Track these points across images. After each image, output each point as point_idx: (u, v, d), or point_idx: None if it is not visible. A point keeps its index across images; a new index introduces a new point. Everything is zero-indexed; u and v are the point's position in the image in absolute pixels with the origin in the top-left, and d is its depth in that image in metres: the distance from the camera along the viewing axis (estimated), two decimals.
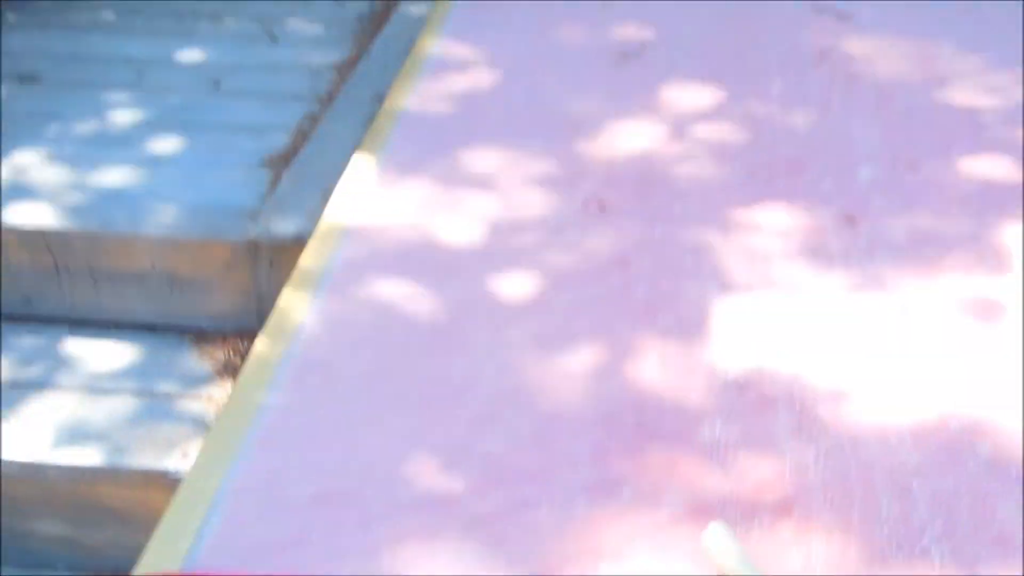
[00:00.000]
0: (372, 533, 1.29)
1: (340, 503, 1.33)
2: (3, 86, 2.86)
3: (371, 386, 1.52)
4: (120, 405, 2.41)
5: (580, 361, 1.58)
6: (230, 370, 2.33)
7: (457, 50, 2.43)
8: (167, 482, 2.02)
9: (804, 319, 1.66)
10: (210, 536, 1.28)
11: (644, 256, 1.80)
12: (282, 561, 1.24)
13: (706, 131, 2.09)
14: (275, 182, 2.55)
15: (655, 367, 1.57)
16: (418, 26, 2.69)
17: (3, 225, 2.44)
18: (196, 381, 2.50)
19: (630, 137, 2.09)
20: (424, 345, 1.61)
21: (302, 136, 2.68)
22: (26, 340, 2.47)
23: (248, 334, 2.21)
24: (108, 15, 3.37)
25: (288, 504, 1.33)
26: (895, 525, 1.31)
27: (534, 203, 1.93)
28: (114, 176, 2.59)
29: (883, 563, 1.25)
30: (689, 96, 2.21)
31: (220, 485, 1.35)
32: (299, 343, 1.59)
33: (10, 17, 3.21)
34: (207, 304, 2.57)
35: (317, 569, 1.22)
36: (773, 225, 1.86)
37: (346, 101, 2.74)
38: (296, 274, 1.73)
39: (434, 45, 2.47)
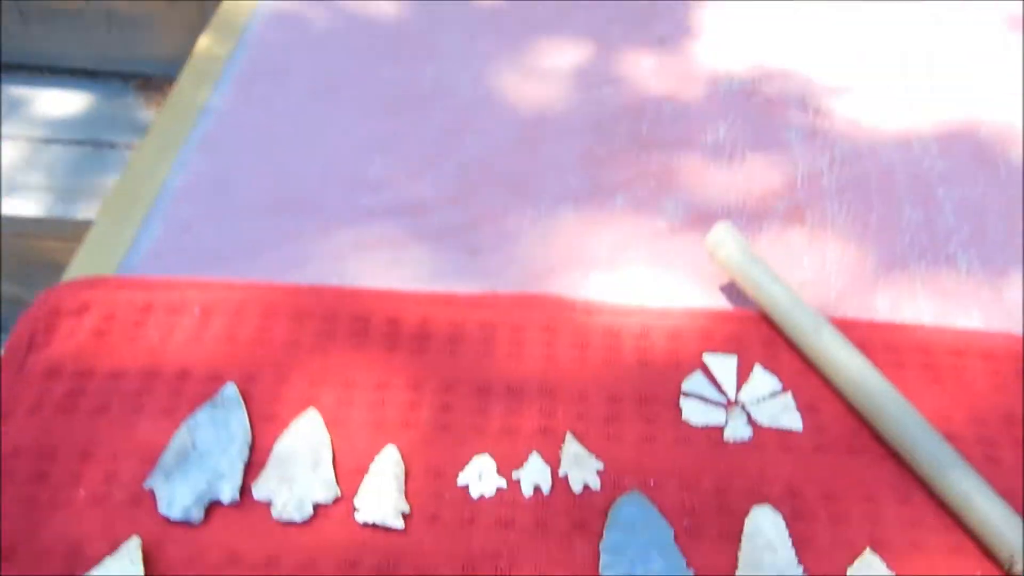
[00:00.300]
0: (334, 240, 1.14)
1: (297, 210, 1.18)
2: None
3: (329, 91, 1.34)
4: (63, 155, 2.23)
5: (566, 69, 1.41)
6: None
7: None
8: None
9: (820, 26, 1.49)
10: (149, 241, 1.13)
11: None
12: (233, 268, 1.10)
13: None
14: None
15: (650, 74, 1.40)
16: None
17: None
18: (143, 130, 2.31)
19: None
20: (388, 52, 1.42)
21: None
22: None
23: None
24: None
25: (239, 210, 1.18)
26: (918, 231, 1.18)
27: None
28: None
29: (904, 269, 1.13)
30: None
31: (159, 189, 1.19)
32: (247, 43, 1.40)
33: None
34: (150, 45, 2.35)
35: (273, 276, 1.08)
36: None
37: None
38: None
39: None
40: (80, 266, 1.11)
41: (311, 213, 1.18)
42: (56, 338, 1.00)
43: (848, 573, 0.83)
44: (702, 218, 1.19)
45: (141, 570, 0.80)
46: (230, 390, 0.94)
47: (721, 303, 1.09)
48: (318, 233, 1.15)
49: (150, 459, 0.89)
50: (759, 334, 1.03)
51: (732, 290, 1.10)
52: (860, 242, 1.17)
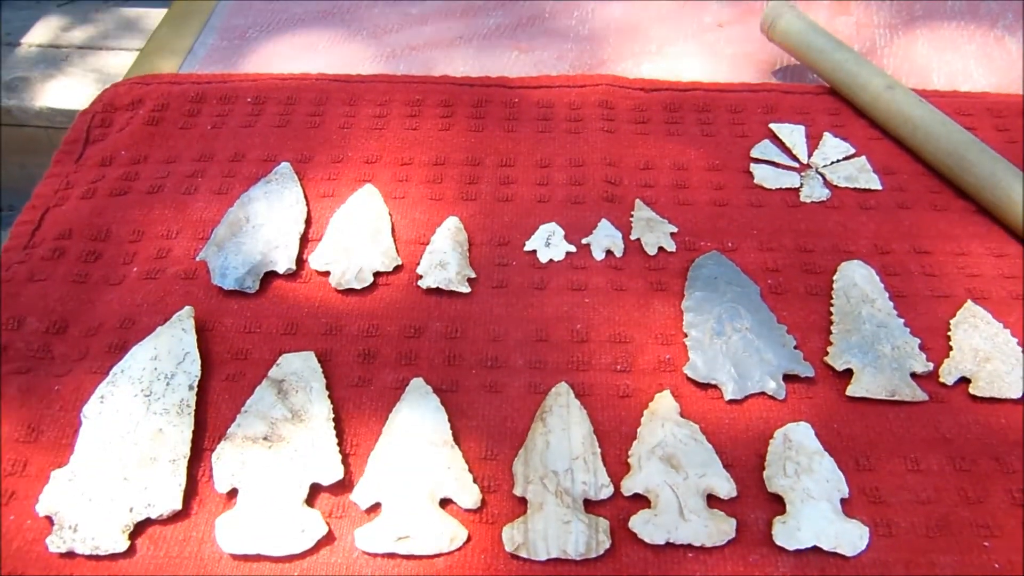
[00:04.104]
0: (385, 43, 0.88)
1: (349, 18, 0.91)
2: None
3: None
4: None
5: None
6: None
7: None
8: None
9: None
10: (204, 49, 0.87)
11: None
12: (286, 69, 0.83)
13: None
14: None
15: None
16: None
17: None
18: None
19: None
20: None
21: None
22: None
23: None
24: None
25: (292, 18, 0.91)
26: (963, 16, 0.89)
27: None
28: None
29: (956, 50, 0.85)
30: None
31: (215, 3, 0.92)
32: None
33: None
34: None
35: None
36: None
37: None
38: None
39: None
40: (137, 71, 0.84)
41: (362, 20, 0.91)
42: (112, 131, 0.75)
43: (951, 323, 0.58)
44: (748, 12, 0.90)
45: (194, 337, 0.57)
46: (285, 167, 0.69)
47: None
48: (369, 37, 0.88)
49: (204, 237, 0.65)
50: (824, 105, 0.76)
51: (786, 74, 0.82)
52: (907, 28, 0.88)
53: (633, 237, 0.65)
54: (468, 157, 0.71)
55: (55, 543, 0.48)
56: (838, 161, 0.70)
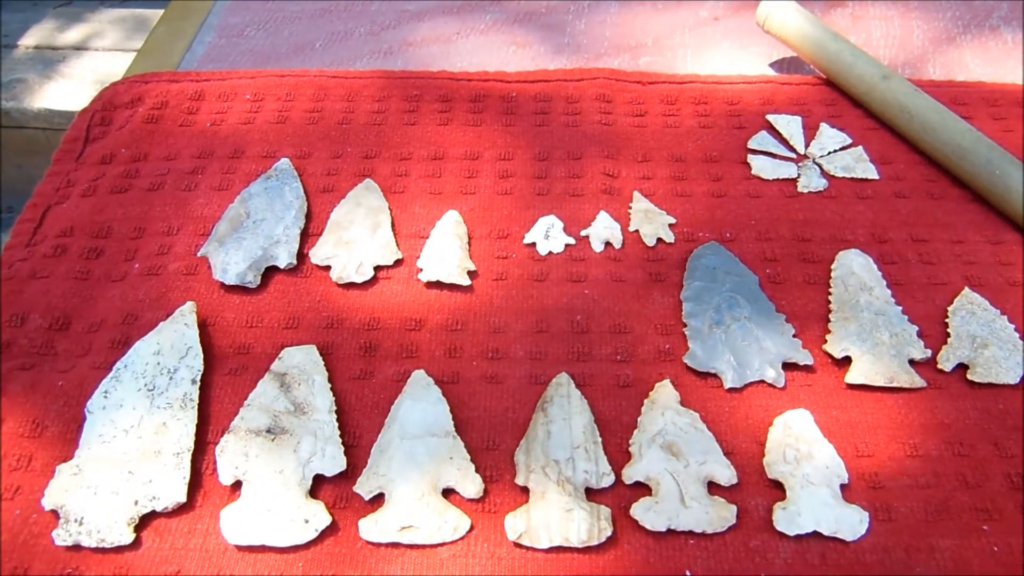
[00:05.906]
0: (382, 40, 0.88)
1: (347, 16, 0.91)
2: None
3: None
4: None
5: None
6: None
7: None
8: None
9: None
10: (202, 47, 0.87)
11: None
12: (285, 66, 0.83)
13: None
14: None
15: None
16: None
17: None
18: None
19: None
20: None
21: None
22: None
23: None
24: None
25: (290, 15, 0.91)
26: (958, 7, 0.89)
27: None
28: None
29: (951, 41, 0.86)
30: None
31: (212, 2, 0.93)
32: None
33: None
34: None
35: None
36: None
37: None
38: None
39: None
40: (135, 71, 0.85)
41: (359, 17, 0.91)
42: (112, 129, 0.75)
43: (949, 310, 0.59)
44: (744, 5, 0.91)
45: (196, 332, 0.57)
46: (284, 163, 0.70)
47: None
48: (366, 34, 0.88)
49: (204, 232, 0.65)
50: (821, 96, 0.76)
51: (783, 65, 0.83)
52: (904, 19, 0.89)
53: (632, 229, 0.65)
54: (467, 151, 0.72)
55: (61, 536, 0.49)
56: (835, 151, 0.71)
